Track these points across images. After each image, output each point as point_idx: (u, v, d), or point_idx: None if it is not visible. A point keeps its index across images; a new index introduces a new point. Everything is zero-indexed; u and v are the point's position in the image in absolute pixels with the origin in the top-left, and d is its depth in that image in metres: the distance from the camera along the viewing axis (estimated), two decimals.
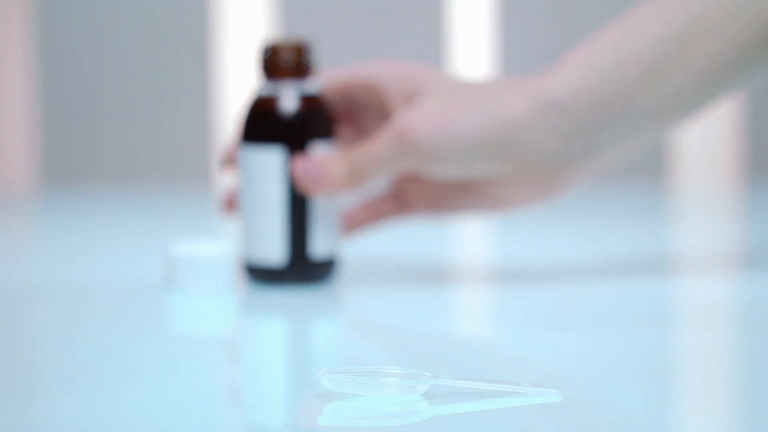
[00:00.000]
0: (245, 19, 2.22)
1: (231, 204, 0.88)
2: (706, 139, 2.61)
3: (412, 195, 0.89)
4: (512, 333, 0.72)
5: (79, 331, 0.73)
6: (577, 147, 0.82)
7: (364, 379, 0.55)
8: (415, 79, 0.84)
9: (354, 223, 0.90)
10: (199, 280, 0.88)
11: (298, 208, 0.82)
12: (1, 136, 2.17)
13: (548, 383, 0.57)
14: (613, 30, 0.83)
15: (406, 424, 0.51)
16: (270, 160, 0.81)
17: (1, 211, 1.58)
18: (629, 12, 0.84)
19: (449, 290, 0.89)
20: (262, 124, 0.81)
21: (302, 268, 0.83)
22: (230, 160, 0.87)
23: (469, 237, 1.26)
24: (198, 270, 0.87)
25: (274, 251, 0.81)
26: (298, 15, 2.25)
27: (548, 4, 2.39)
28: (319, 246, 0.84)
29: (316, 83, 0.84)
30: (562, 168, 0.83)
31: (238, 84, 2.22)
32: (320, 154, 0.82)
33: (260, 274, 0.83)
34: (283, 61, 0.81)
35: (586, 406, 0.53)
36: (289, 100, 0.81)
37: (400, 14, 2.28)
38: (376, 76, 0.85)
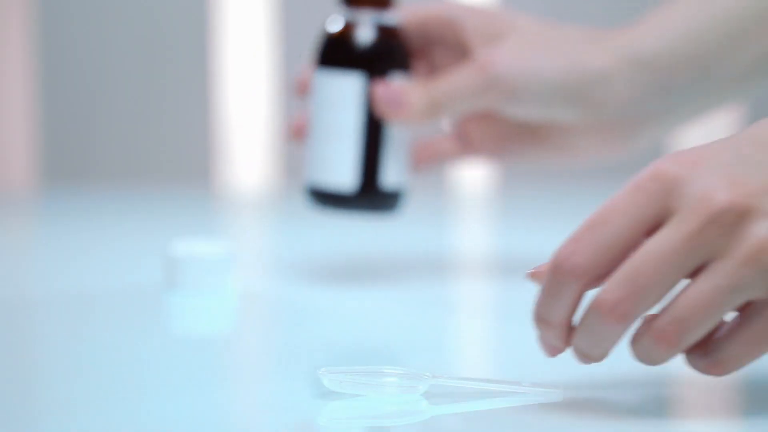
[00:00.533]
0: (245, 19, 2.22)
1: (299, 132, 0.86)
2: (706, 139, 2.61)
3: (476, 136, 0.88)
4: (513, 332, 0.72)
5: (79, 331, 0.73)
6: (655, 103, 0.82)
7: (364, 379, 0.55)
8: (498, 20, 0.83)
9: (416, 161, 0.89)
10: (199, 280, 0.88)
11: (373, 136, 0.81)
12: (1, 136, 2.17)
13: (548, 383, 0.56)
14: None
15: (407, 424, 0.51)
16: (348, 85, 0.80)
17: (1, 211, 1.58)
18: None
19: (451, 286, 0.89)
20: (343, 50, 0.81)
21: (372, 196, 0.82)
22: (303, 88, 0.86)
23: (471, 234, 1.26)
24: (198, 270, 0.87)
25: (346, 177, 0.81)
26: (298, 15, 2.25)
27: (548, 3, 2.39)
28: (389, 176, 0.83)
29: (395, 16, 0.83)
30: (634, 123, 0.83)
31: (238, 84, 2.22)
32: (393, 86, 0.81)
33: (328, 199, 0.82)
34: None
35: (585, 406, 0.53)
36: (370, 29, 0.81)
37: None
38: (456, 13, 0.84)
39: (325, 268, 1.00)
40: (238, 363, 0.64)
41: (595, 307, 0.49)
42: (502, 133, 0.87)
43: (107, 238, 1.20)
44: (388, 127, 0.81)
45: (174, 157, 2.22)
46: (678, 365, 0.62)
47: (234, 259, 0.87)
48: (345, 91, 0.80)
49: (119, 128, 2.23)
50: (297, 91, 0.87)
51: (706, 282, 0.47)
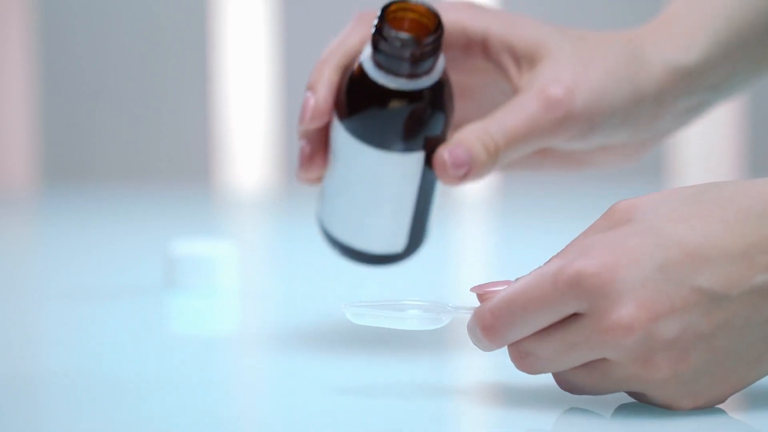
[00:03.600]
0: (245, 19, 2.22)
1: (312, 162, 0.70)
2: (706, 139, 2.61)
3: None
4: None
5: (79, 330, 0.73)
6: (694, 110, 0.75)
7: (386, 312, 0.55)
8: (531, 36, 0.70)
9: None
10: (199, 280, 0.88)
11: (426, 200, 0.70)
12: (1, 136, 2.17)
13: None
14: None
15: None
16: (408, 163, 0.68)
17: (1, 211, 1.58)
18: None
19: (452, 286, 0.89)
20: (403, 132, 0.66)
21: (417, 248, 0.73)
22: (324, 116, 0.67)
23: (472, 237, 1.26)
24: (198, 270, 0.87)
25: (397, 243, 0.71)
26: (298, 15, 2.25)
27: (547, 2, 2.39)
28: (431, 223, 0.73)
29: (442, 62, 0.67)
30: (666, 134, 0.75)
31: (238, 84, 2.23)
32: (458, 149, 0.67)
33: (371, 260, 0.72)
34: (423, 58, 0.64)
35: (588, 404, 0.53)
36: (429, 102, 0.66)
37: None
38: (482, 31, 0.69)
39: (326, 267, 1.00)
40: (237, 362, 0.64)
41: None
42: None
43: (107, 238, 1.20)
44: (439, 183, 0.71)
45: (174, 157, 2.22)
46: None
47: (234, 258, 0.87)
48: (403, 168, 0.68)
49: (119, 128, 2.23)
50: (312, 120, 0.68)
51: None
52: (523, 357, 0.52)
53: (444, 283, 0.93)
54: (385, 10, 0.64)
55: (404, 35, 0.63)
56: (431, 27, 0.64)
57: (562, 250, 0.54)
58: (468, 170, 0.67)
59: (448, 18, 0.69)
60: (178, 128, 2.24)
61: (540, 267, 0.53)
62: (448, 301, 0.56)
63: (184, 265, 0.88)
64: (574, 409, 0.52)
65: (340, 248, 0.72)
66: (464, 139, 0.67)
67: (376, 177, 0.69)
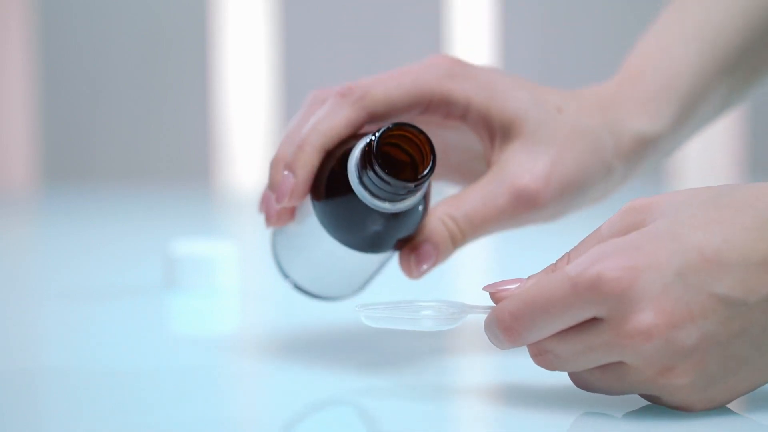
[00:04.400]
0: (245, 19, 2.22)
1: (279, 220, 0.69)
2: (706, 140, 2.61)
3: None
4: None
5: (79, 330, 0.73)
6: (654, 168, 0.77)
7: (400, 314, 0.55)
8: (508, 110, 0.68)
9: None
10: (199, 280, 0.88)
11: (382, 266, 0.70)
12: (1, 136, 2.17)
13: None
14: (674, 46, 0.76)
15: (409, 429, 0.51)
16: (379, 256, 0.67)
17: (1, 210, 1.58)
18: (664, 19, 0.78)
19: (452, 286, 0.89)
20: (371, 241, 0.65)
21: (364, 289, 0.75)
22: (302, 197, 0.65)
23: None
24: (198, 270, 0.88)
25: (350, 291, 0.71)
26: (298, 15, 2.26)
27: (547, 2, 2.39)
28: None
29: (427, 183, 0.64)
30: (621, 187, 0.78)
31: (238, 84, 2.23)
32: (425, 248, 0.66)
33: (324, 299, 0.72)
34: (410, 194, 0.62)
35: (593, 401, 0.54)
36: (407, 217, 0.65)
37: (399, 14, 2.28)
38: (464, 102, 0.68)
39: None
40: (237, 363, 0.64)
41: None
42: None
43: (107, 238, 1.21)
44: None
45: (174, 157, 2.22)
46: None
47: (234, 258, 0.87)
48: (367, 261, 0.67)
49: (119, 128, 2.24)
50: (290, 202, 0.65)
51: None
52: (541, 354, 0.53)
53: (444, 283, 0.93)
54: (384, 132, 0.60)
55: (393, 179, 0.59)
56: (426, 162, 0.60)
57: (576, 248, 0.54)
58: (433, 263, 0.67)
59: (434, 89, 0.67)
60: (178, 128, 2.25)
61: (554, 266, 0.53)
62: (460, 301, 0.55)
63: (184, 265, 0.88)
64: (586, 412, 0.53)
65: (294, 285, 0.71)
66: (432, 233, 0.67)
67: (339, 260, 0.67)
